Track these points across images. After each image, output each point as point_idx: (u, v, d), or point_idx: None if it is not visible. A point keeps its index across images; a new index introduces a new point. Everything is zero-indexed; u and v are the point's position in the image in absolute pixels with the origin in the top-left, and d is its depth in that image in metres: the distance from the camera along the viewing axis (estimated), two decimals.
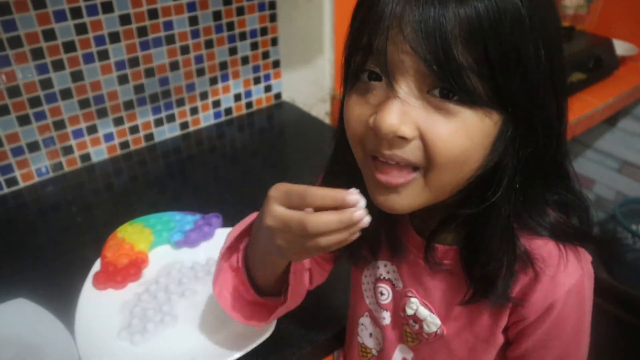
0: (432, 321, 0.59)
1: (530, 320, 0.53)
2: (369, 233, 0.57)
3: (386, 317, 0.65)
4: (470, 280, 0.53)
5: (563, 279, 0.52)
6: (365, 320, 0.70)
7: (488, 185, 0.48)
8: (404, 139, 0.44)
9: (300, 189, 0.48)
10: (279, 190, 0.49)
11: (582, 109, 1.44)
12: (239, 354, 0.69)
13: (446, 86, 0.43)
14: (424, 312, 0.60)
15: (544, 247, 0.52)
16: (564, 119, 0.50)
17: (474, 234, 0.52)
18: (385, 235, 0.61)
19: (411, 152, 0.45)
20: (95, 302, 0.77)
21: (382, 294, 0.65)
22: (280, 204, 0.49)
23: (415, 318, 0.61)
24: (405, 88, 0.44)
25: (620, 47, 1.63)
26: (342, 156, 0.55)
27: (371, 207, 0.55)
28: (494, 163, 0.48)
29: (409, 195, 0.48)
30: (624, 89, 1.54)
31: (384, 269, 0.64)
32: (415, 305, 0.60)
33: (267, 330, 0.71)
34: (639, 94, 1.65)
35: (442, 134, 0.44)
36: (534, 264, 0.51)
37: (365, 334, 0.70)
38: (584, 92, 1.50)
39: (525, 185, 0.49)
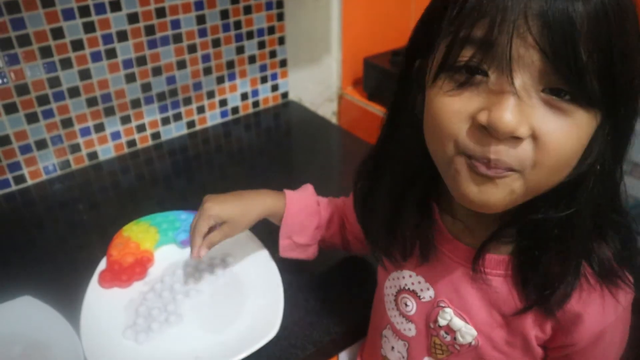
0: (468, 332, 0.57)
1: (579, 347, 0.53)
2: (405, 236, 0.58)
3: (411, 329, 0.63)
4: (525, 289, 0.52)
5: (612, 307, 0.52)
6: (387, 332, 0.68)
7: (570, 191, 0.46)
8: (517, 139, 0.41)
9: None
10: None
11: None
12: (243, 354, 0.69)
13: (566, 87, 0.40)
14: (458, 322, 0.57)
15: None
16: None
17: (535, 245, 0.50)
18: (420, 241, 0.58)
19: (517, 155, 0.42)
20: (100, 300, 0.77)
21: (406, 305, 0.63)
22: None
23: (448, 329, 0.59)
24: (521, 84, 0.40)
25: None
26: (398, 150, 0.54)
27: (408, 213, 0.57)
28: (589, 164, 0.45)
29: (506, 188, 0.44)
30: None
31: (409, 279, 0.62)
32: (449, 316, 0.58)
33: (271, 331, 0.71)
34: None
35: (557, 134, 0.41)
36: (602, 283, 0.50)
37: (388, 347, 0.68)
38: None
39: (601, 193, 0.47)
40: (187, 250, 0.87)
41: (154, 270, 0.84)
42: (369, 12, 1.43)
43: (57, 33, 1.01)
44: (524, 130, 0.41)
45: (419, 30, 0.49)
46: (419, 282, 0.61)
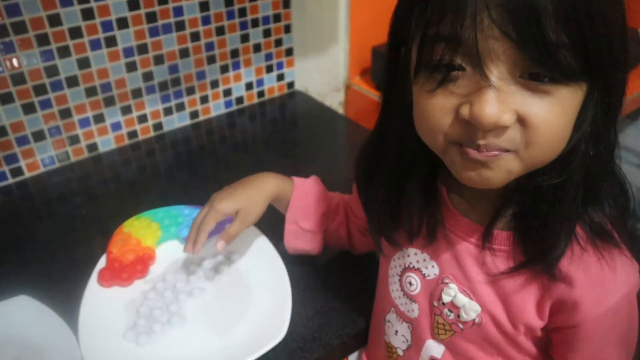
0: (472, 307, 0.57)
1: (582, 327, 0.53)
2: (411, 215, 0.59)
3: (415, 310, 0.63)
4: (524, 254, 0.53)
5: (616, 285, 0.52)
6: (391, 316, 0.67)
7: (564, 158, 0.47)
8: (502, 127, 0.43)
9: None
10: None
11: None
12: (249, 359, 0.65)
13: (541, 70, 0.41)
14: (462, 298, 0.57)
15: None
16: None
17: (533, 211, 0.51)
18: (428, 220, 0.59)
19: (507, 138, 0.43)
20: (100, 300, 0.74)
21: (410, 284, 0.63)
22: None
23: (452, 306, 0.59)
24: (497, 74, 0.41)
25: None
26: (395, 131, 0.55)
27: (412, 194, 0.58)
28: (582, 132, 0.47)
29: (503, 169, 0.45)
30: None
31: (414, 257, 0.62)
32: (453, 292, 0.58)
33: (278, 334, 0.67)
34: None
35: (542, 115, 0.42)
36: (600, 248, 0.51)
37: (392, 332, 0.67)
38: None
39: (595, 157, 0.48)
40: None
41: (156, 268, 0.80)
42: (376, 0, 1.39)
43: (54, 20, 0.97)
44: (508, 117, 0.42)
45: (395, 22, 0.50)
46: (424, 260, 0.61)
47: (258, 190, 0.75)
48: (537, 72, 0.41)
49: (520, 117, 0.42)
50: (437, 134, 0.47)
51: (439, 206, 0.58)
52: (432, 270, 0.60)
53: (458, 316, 0.58)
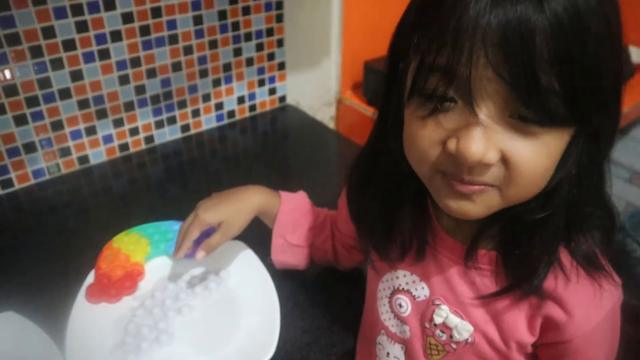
0: (464, 327, 0.57)
1: (570, 345, 0.54)
2: (401, 232, 0.59)
3: (406, 331, 0.63)
4: (508, 277, 0.53)
5: (602, 302, 0.53)
6: (382, 339, 0.67)
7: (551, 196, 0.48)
8: (486, 165, 0.43)
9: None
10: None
11: None
12: None
13: (530, 113, 0.41)
14: (454, 319, 0.57)
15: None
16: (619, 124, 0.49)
17: (518, 239, 0.51)
18: (417, 239, 0.59)
19: (491, 175, 0.44)
20: (87, 317, 0.74)
21: (400, 305, 0.63)
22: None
23: (444, 327, 0.59)
24: (486, 111, 0.42)
25: (637, 54, 1.58)
26: (382, 161, 0.56)
27: (403, 210, 0.59)
28: (566, 172, 0.47)
29: (483, 203, 0.47)
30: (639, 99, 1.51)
31: (403, 278, 0.62)
32: (445, 313, 0.58)
33: (267, 354, 0.68)
34: None
35: (526, 156, 0.43)
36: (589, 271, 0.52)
37: (383, 354, 0.67)
38: None
39: (579, 193, 0.49)
40: (180, 263, 0.83)
41: (145, 284, 0.80)
42: (369, 15, 1.40)
43: (48, 32, 0.97)
44: (492, 156, 0.42)
45: (395, 40, 0.50)
46: (414, 282, 0.61)
47: (243, 203, 0.75)
48: (525, 115, 0.42)
49: (504, 156, 0.43)
50: (424, 162, 0.47)
51: (427, 225, 0.59)
52: (422, 291, 0.61)
53: (451, 337, 0.58)
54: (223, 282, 0.80)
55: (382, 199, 0.59)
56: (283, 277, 0.80)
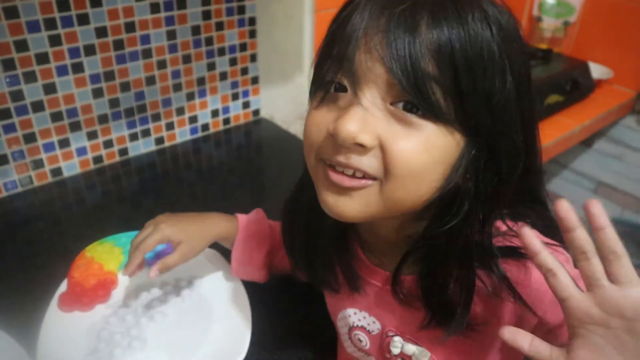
0: (422, 353, 0.57)
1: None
2: (325, 267, 0.60)
3: None
4: (428, 306, 0.52)
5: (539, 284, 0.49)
6: None
7: (448, 213, 0.48)
8: (362, 147, 0.44)
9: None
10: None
11: (559, 130, 1.45)
12: None
13: (409, 98, 0.43)
14: (410, 347, 0.58)
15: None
16: (534, 148, 0.49)
17: (432, 261, 0.51)
18: (344, 274, 0.59)
19: (368, 162, 0.44)
20: (60, 325, 0.74)
21: (360, 340, 0.63)
22: None
23: (404, 356, 0.59)
24: (369, 97, 0.44)
25: (596, 71, 1.65)
26: (308, 179, 0.54)
27: (320, 245, 0.58)
28: (453, 186, 0.46)
29: (361, 199, 0.46)
30: (600, 112, 1.56)
31: (354, 316, 0.63)
32: (399, 343, 0.58)
33: (238, 356, 0.69)
34: (614, 116, 1.67)
35: (402, 145, 0.43)
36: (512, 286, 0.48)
37: None
38: (561, 114, 1.51)
39: (489, 213, 0.48)
40: None
41: (118, 292, 0.81)
42: None
43: (21, 45, 0.98)
44: (366, 137, 0.43)
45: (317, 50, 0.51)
46: (364, 317, 0.62)
47: (206, 228, 0.74)
48: (407, 101, 0.43)
49: (382, 143, 0.44)
50: (310, 150, 0.48)
51: (352, 258, 0.59)
52: (374, 325, 0.61)
53: None
54: (196, 289, 0.81)
55: (305, 232, 0.60)
56: (256, 283, 0.81)
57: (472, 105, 0.43)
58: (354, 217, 0.47)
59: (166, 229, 0.71)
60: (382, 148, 0.44)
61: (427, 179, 0.45)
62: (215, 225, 0.75)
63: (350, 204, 0.46)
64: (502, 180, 0.47)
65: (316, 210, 0.52)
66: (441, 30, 0.41)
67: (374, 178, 0.45)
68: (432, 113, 0.43)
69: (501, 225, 0.50)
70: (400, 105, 0.43)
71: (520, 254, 0.49)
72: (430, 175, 0.45)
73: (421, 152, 0.44)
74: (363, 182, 0.45)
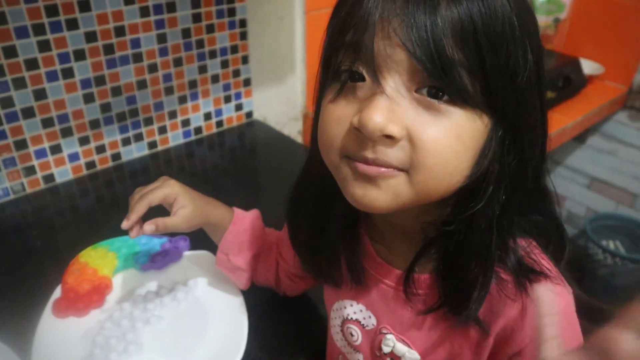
0: (411, 356, 0.56)
1: (525, 354, 0.50)
2: (333, 260, 0.58)
3: (360, 359, 0.62)
4: (444, 297, 0.50)
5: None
6: None
7: (472, 198, 0.46)
8: (390, 139, 0.41)
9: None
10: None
11: (552, 126, 1.43)
12: None
13: (436, 84, 0.40)
14: (401, 348, 0.57)
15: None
16: (546, 132, 0.49)
17: (451, 255, 0.49)
18: (348, 266, 0.58)
19: (396, 155, 0.42)
20: (54, 331, 0.73)
21: (352, 334, 0.62)
22: None
23: (393, 356, 0.58)
24: (392, 85, 0.41)
25: (588, 67, 1.66)
26: (316, 168, 0.52)
27: (333, 235, 0.56)
28: (482, 170, 0.45)
29: (390, 189, 0.43)
30: (592, 107, 1.57)
31: (350, 308, 0.61)
32: (391, 342, 0.57)
33: (234, 358, 0.68)
34: (606, 112, 1.68)
35: (432, 134, 0.41)
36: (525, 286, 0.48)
37: None
38: (554, 110, 1.52)
39: (508, 200, 0.46)
40: (148, 275, 0.84)
41: (113, 297, 0.80)
42: None
43: (10, 51, 0.97)
44: (394, 128, 0.40)
45: (325, 37, 0.49)
46: (361, 311, 0.60)
47: (209, 206, 0.72)
48: (433, 87, 0.41)
49: (410, 134, 0.41)
50: (331, 146, 0.45)
51: (360, 251, 0.58)
52: (370, 320, 0.60)
53: None
54: (191, 291, 0.80)
55: (312, 224, 0.58)
56: (251, 285, 0.80)
57: (498, 86, 0.41)
58: (385, 207, 0.45)
59: (176, 186, 0.69)
60: (410, 138, 0.41)
61: (460, 167, 0.43)
62: (216, 207, 0.73)
63: (380, 195, 0.44)
64: (522, 160, 0.46)
65: (325, 198, 0.51)
66: (462, 7, 0.39)
67: (400, 169, 0.43)
68: (460, 97, 0.41)
69: (520, 243, 0.49)
70: (425, 90, 0.41)
71: (538, 272, 0.48)
72: (462, 163, 0.43)
73: (451, 139, 0.41)
74: (390, 170, 0.43)
